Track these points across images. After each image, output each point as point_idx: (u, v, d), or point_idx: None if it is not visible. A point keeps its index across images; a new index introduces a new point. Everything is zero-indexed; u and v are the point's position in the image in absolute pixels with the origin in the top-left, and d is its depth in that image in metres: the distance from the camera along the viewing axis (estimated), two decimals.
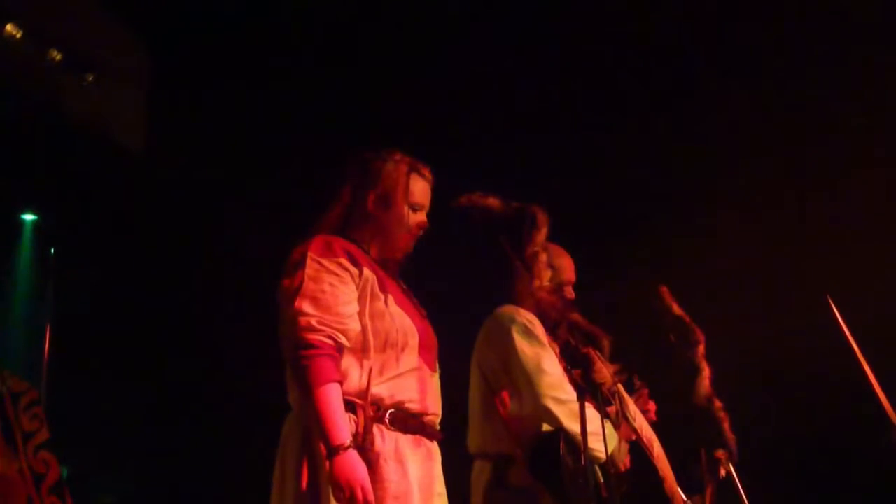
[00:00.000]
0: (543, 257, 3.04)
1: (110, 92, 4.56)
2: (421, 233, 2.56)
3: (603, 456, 2.86)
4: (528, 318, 3.11)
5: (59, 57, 4.03)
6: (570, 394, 2.95)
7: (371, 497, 2.15)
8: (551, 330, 3.22)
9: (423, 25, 4.84)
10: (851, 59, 4.58)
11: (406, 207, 2.50)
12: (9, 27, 3.78)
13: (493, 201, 2.88)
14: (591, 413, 2.92)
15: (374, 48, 4.92)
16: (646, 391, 3.40)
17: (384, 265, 2.52)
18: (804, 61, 4.66)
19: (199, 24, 4.87)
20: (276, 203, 5.47)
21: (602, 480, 3.01)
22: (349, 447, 2.16)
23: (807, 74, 4.70)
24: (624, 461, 3.20)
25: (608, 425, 2.98)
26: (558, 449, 2.89)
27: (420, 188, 2.54)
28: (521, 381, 3.00)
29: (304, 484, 2.20)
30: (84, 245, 5.98)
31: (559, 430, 2.92)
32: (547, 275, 3.09)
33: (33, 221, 6.46)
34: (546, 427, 2.98)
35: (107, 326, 6.01)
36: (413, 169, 2.55)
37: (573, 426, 2.88)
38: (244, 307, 5.78)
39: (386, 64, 4.96)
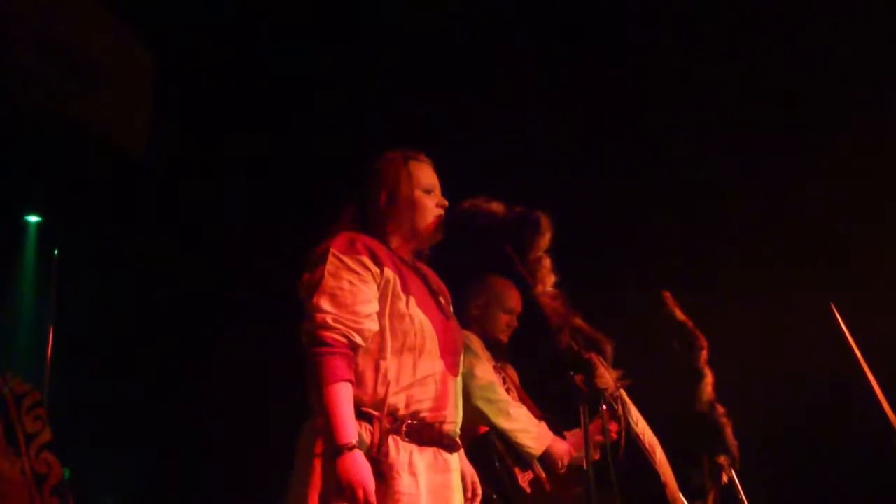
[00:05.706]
0: (547, 262, 3.05)
1: (114, 96, 4.57)
2: (442, 211, 2.53)
3: (535, 452, 3.21)
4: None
5: (63, 61, 4.04)
6: (498, 394, 3.25)
7: (372, 499, 2.12)
8: (553, 335, 3.23)
9: (428, 28, 4.84)
10: (855, 71, 4.58)
11: (417, 192, 2.49)
12: (14, 31, 3.80)
13: (496, 206, 2.88)
14: (521, 412, 3.24)
15: (380, 50, 4.92)
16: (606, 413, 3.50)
17: (412, 264, 2.50)
18: (806, 67, 4.66)
19: (203, 28, 4.88)
20: (279, 207, 5.48)
21: (544, 475, 3.27)
22: (354, 447, 2.13)
23: (811, 81, 4.69)
24: (563, 461, 3.33)
25: (542, 425, 3.29)
26: (491, 448, 3.16)
27: (423, 171, 2.54)
28: None
29: (313, 483, 2.17)
30: (87, 247, 5.99)
31: (491, 428, 3.18)
32: (550, 280, 3.09)
33: (37, 223, 6.47)
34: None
35: (109, 328, 6.02)
36: (408, 157, 2.55)
37: (503, 423, 3.20)
38: (246, 309, 5.79)
39: (392, 67, 4.96)
